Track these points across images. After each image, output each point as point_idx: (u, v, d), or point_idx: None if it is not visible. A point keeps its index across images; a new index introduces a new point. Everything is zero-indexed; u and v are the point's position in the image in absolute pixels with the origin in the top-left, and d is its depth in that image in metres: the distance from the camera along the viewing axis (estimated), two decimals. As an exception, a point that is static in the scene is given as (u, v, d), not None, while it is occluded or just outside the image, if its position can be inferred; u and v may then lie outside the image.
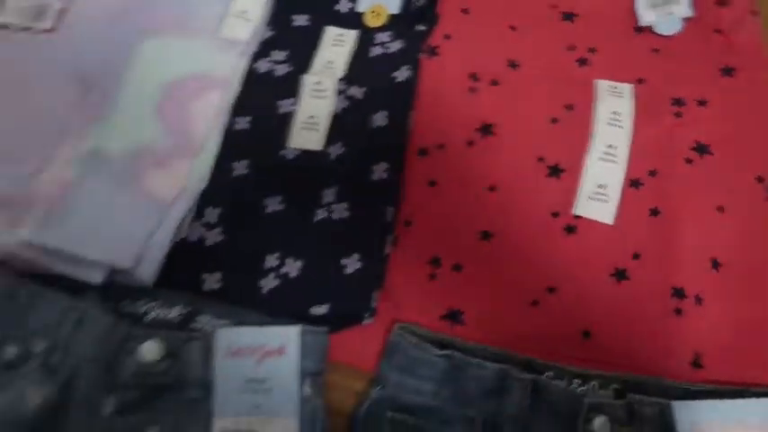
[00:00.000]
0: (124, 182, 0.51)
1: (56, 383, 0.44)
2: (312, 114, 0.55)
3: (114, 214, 0.49)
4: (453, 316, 0.46)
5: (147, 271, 0.48)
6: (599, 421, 0.39)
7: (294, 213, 0.51)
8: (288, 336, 0.44)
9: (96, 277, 0.47)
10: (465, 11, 0.56)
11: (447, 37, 0.54)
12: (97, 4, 0.61)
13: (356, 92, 0.55)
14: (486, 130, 0.52)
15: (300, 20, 0.60)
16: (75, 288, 0.47)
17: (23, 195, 0.49)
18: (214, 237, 0.51)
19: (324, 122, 0.54)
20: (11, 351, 0.46)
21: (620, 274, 0.46)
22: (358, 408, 0.44)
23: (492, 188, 0.50)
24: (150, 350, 0.45)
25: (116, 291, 0.48)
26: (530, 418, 0.40)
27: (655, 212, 0.48)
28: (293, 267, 0.49)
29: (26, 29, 0.61)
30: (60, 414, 0.43)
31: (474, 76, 0.53)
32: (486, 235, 0.48)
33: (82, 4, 0.62)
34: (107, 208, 0.50)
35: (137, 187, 0.51)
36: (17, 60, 0.59)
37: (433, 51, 0.54)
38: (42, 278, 0.48)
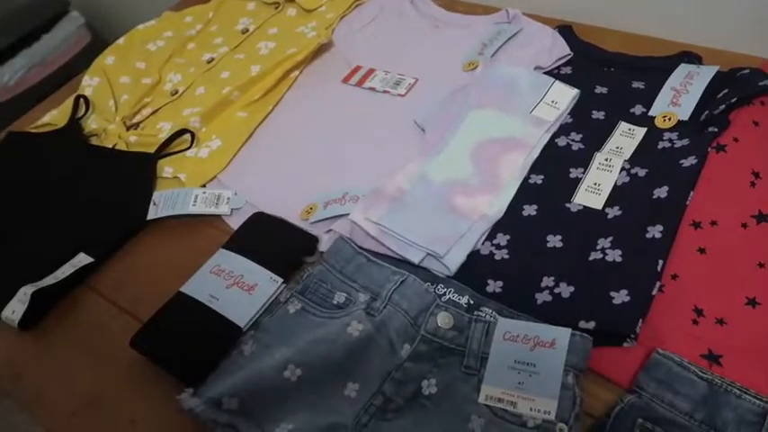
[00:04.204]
0: (440, 200, 0.67)
1: (372, 323, 0.58)
2: (597, 182, 0.67)
3: (432, 218, 0.65)
4: (712, 357, 0.51)
5: (452, 262, 0.62)
6: None
7: (571, 250, 0.62)
8: (560, 333, 0.54)
9: (416, 258, 0.62)
10: (756, 123, 0.65)
11: (735, 140, 0.63)
12: (440, 83, 0.82)
13: (639, 171, 0.66)
14: (762, 218, 0.59)
15: (598, 114, 0.74)
16: (394, 265, 0.63)
17: (374, 193, 0.68)
18: (501, 254, 0.63)
19: (606, 189, 0.66)
20: (340, 296, 0.62)
21: None
22: (610, 409, 0.50)
23: (761, 265, 0.56)
24: (445, 318, 0.58)
25: (423, 273, 0.62)
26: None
27: None
28: (566, 290, 0.59)
29: (385, 92, 0.84)
30: (370, 345, 0.57)
31: (756, 174, 0.61)
32: (752, 302, 0.54)
33: (427, 80, 0.84)
34: (427, 213, 0.66)
35: (448, 206, 0.67)
36: (377, 111, 0.82)
37: (721, 148, 0.63)
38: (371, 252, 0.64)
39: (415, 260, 0.62)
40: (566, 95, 0.75)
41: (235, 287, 0.65)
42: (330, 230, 0.69)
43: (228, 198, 0.75)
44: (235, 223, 0.74)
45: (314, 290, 0.63)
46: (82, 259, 0.72)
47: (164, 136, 0.83)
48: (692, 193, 0.61)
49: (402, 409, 0.54)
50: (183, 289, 0.66)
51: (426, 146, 0.74)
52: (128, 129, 0.87)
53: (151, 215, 0.75)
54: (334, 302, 0.61)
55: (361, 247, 0.64)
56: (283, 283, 0.65)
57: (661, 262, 0.57)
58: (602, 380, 0.54)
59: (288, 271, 0.66)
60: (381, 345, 0.57)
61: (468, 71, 0.83)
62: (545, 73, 0.80)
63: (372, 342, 0.57)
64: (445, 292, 0.61)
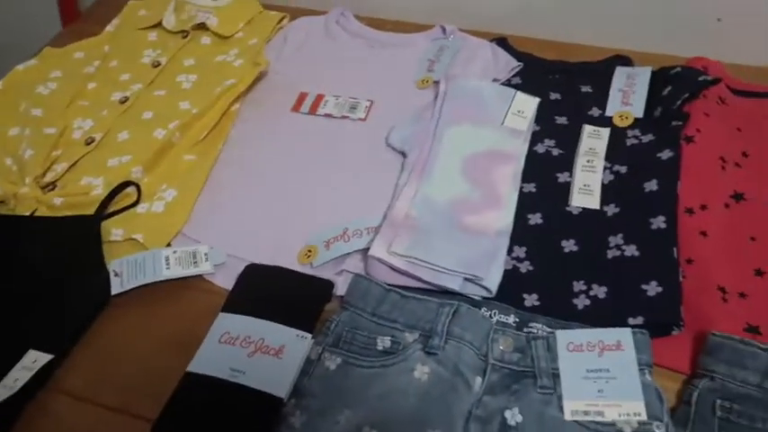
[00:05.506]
0: (450, 221, 0.66)
1: (438, 362, 0.54)
2: (586, 183, 0.70)
3: (453, 241, 0.63)
4: (753, 329, 0.56)
5: (492, 283, 0.60)
6: None
7: (588, 252, 0.64)
8: (622, 334, 0.55)
9: (455, 284, 0.60)
10: (706, 114, 0.73)
11: (698, 130, 0.70)
12: (397, 103, 0.80)
13: (620, 168, 0.70)
14: (738, 197, 0.66)
15: (561, 120, 0.77)
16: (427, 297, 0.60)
17: (388, 225, 0.64)
18: (525, 267, 0.64)
19: (596, 189, 0.69)
20: (384, 341, 0.57)
21: None
22: (689, 397, 0.52)
23: (753, 239, 0.63)
24: (506, 342, 0.56)
25: (461, 299, 0.60)
26: None
27: None
28: (600, 291, 0.61)
29: (344, 117, 0.80)
30: (443, 386, 0.53)
31: (722, 159, 0.69)
32: (759, 272, 0.61)
33: (383, 102, 0.81)
34: (446, 236, 0.64)
35: (461, 226, 0.65)
36: (340, 138, 0.78)
37: (689, 139, 0.70)
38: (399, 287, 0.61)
39: (456, 287, 0.60)
40: (530, 104, 0.78)
41: (258, 354, 0.57)
42: (342, 271, 0.64)
43: (206, 254, 0.66)
44: (221, 281, 0.65)
45: (349, 339, 0.57)
46: (37, 358, 0.58)
47: (97, 193, 0.70)
48: (679, 182, 0.67)
49: (494, 447, 0.51)
50: (192, 368, 0.56)
51: (415, 168, 0.71)
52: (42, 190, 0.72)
53: (116, 288, 0.63)
54: (380, 348, 0.57)
55: (388, 284, 0.60)
56: (312, 338, 0.58)
57: (675, 249, 0.62)
58: (663, 370, 0.56)
59: (311, 324, 0.59)
60: (455, 383, 0.53)
61: (423, 88, 0.82)
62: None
63: (444, 382, 0.53)
64: (491, 315, 0.59)
